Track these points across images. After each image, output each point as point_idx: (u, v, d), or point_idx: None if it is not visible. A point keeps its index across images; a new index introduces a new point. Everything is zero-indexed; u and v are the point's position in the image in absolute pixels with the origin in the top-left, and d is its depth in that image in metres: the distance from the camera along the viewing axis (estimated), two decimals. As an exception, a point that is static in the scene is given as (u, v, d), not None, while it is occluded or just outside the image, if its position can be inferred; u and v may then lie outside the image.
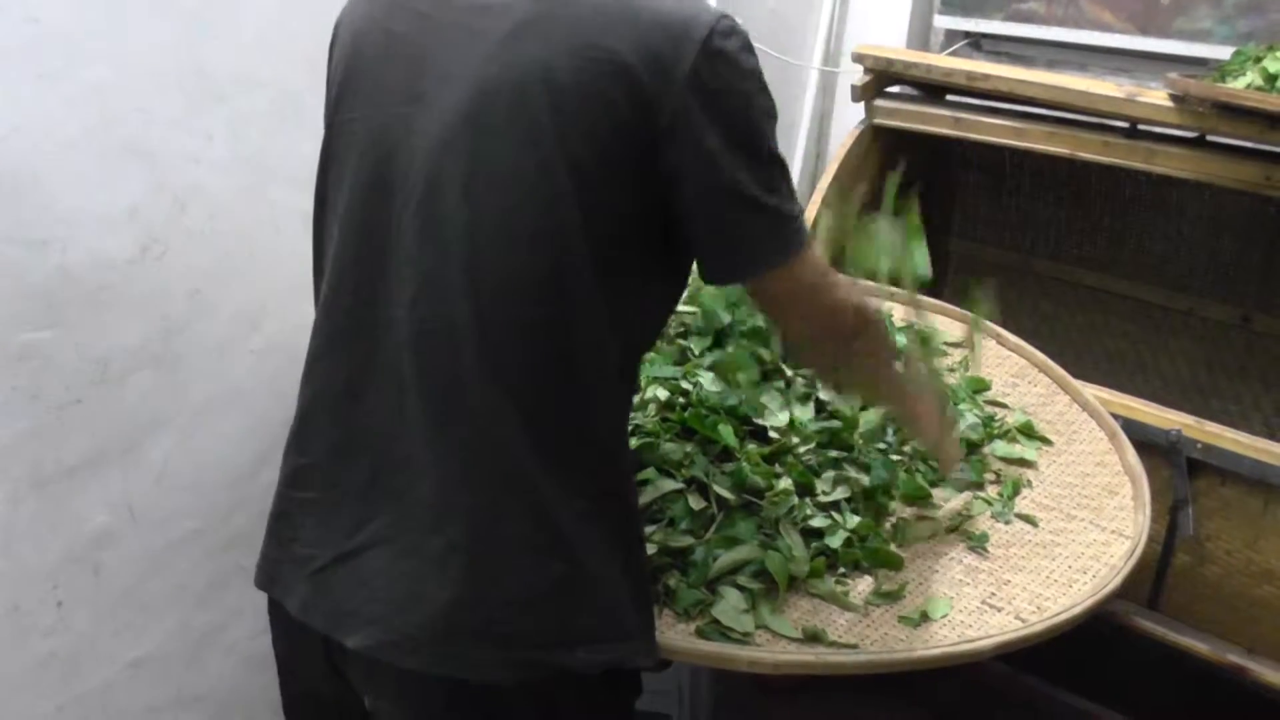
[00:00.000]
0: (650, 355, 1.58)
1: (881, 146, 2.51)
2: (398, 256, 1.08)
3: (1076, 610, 1.31)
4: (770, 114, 1.08)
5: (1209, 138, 2.06)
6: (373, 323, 1.11)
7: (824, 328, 1.17)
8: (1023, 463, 1.64)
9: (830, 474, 1.48)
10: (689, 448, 1.44)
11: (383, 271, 1.09)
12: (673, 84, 1.00)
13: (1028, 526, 1.49)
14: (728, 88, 1.03)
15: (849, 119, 2.57)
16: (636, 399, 1.48)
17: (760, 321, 1.63)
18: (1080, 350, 2.77)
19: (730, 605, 1.26)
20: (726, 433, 1.44)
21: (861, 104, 2.46)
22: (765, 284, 1.11)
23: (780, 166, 1.08)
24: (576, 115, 1.00)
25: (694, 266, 1.16)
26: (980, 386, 1.82)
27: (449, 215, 1.04)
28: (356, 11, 1.18)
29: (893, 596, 1.32)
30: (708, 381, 1.54)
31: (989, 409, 1.76)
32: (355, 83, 1.13)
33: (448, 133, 1.04)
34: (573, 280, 1.04)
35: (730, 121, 1.03)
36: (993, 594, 1.34)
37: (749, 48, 1.06)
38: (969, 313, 1.72)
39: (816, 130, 3.11)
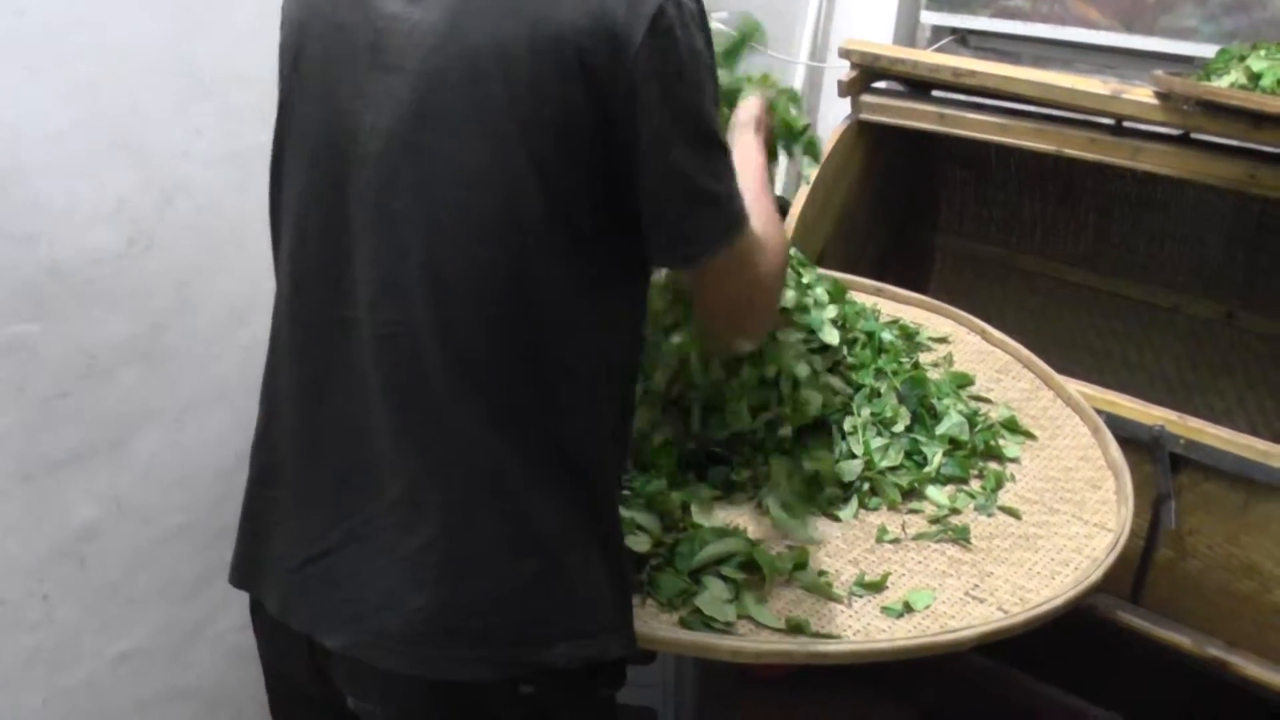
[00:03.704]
0: None
1: (867, 142, 2.52)
2: (357, 257, 1.07)
3: (1059, 602, 1.32)
4: (717, 99, 1.08)
5: (1194, 135, 2.08)
6: (336, 323, 1.10)
7: (750, 302, 1.17)
8: (1006, 457, 1.66)
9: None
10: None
11: (344, 272, 1.08)
12: (622, 63, 0.98)
13: (1011, 519, 1.50)
14: (677, 70, 1.00)
15: (835, 114, 2.58)
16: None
17: None
18: (1065, 346, 2.78)
19: (713, 595, 1.27)
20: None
21: (848, 99, 2.47)
22: (704, 267, 1.10)
23: (723, 152, 1.07)
24: (532, 103, 0.99)
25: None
26: (964, 381, 1.83)
27: (404, 214, 1.03)
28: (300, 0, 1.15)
29: (876, 587, 1.33)
30: None
31: (973, 404, 1.77)
32: (301, 77, 1.12)
33: (399, 128, 1.02)
34: (537, 274, 1.03)
35: (678, 105, 1.01)
36: (976, 585, 1.35)
37: (700, 23, 1.04)
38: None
39: (803, 126, 3.12)
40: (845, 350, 1.69)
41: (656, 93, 0.99)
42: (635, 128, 1.00)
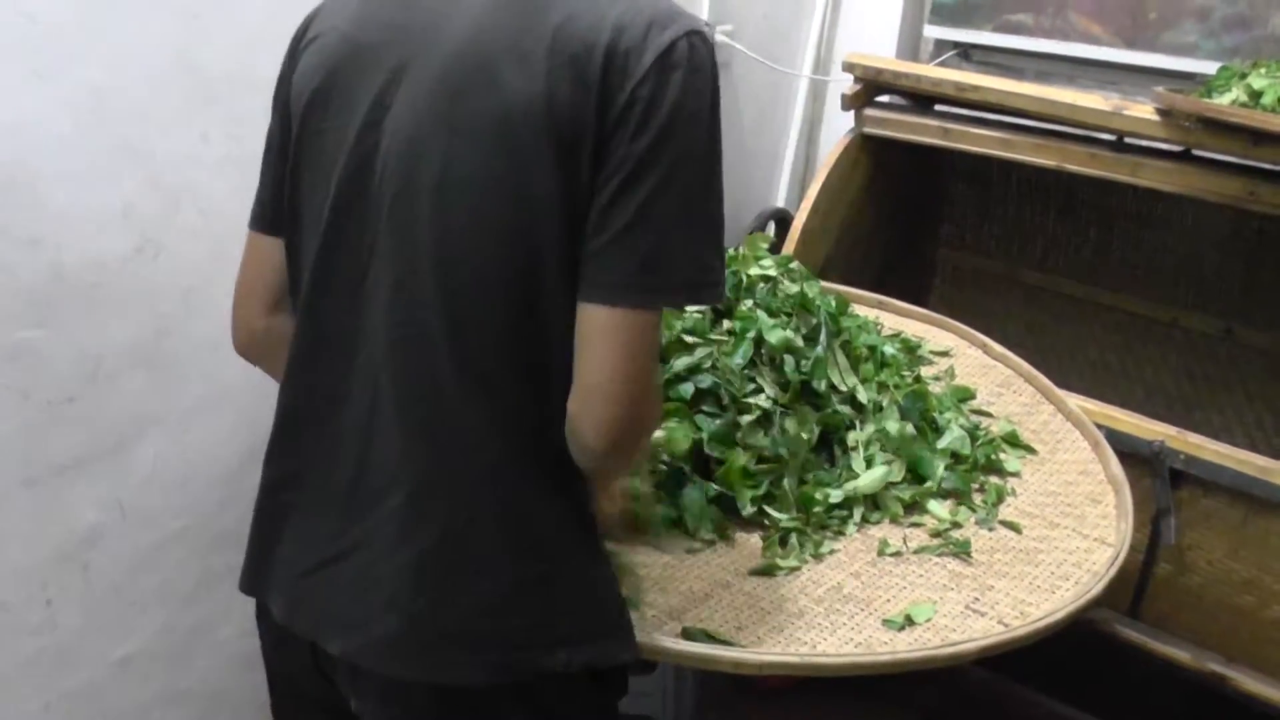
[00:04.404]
0: None
1: (870, 155, 2.53)
2: (375, 265, 1.08)
3: (1059, 615, 1.32)
4: (713, 152, 1.04)
5: (1194, 152, 2.09)
6: (354, 330, 1.11)
7: (637, 404, 1.05)
8: (1007, 471, 1.66)
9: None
10: None
11: (362, 279, 1.10)
12: (626, 84, 0.99)
13: (1011, 533, 1.51)
14: (674, 103, 1.00)
15: (839, 127, 2.59)
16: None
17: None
18: (1065, 360, 2.79)
19: None
20: None
21: (851, 113, 2.48)
22: (599, 320, 1.03)
23: (694, 203, 1.03)
24: (547, 117, 1.00)
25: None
26: (965, 395, 1.84)
27: (420, 219, 1.04)
28: (325, 24, 1.16)
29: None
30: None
31: (974, 418, 1.77)
32: (325, 96, 1.12)
33: (417, 135, 1.04)
34: (544, 281, 1.04)
35: (663, 136, 1.00)
36: (976, 599, 1.36)
37: (710, 75, 1.03)
38: None
39: (806, 138, 3.13)
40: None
41: (645, 120, 1.00)
42: (615, 148, 1.00)
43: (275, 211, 1.23)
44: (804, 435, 1.52)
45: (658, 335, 1.06)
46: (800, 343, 1.58)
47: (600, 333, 1.03)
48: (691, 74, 1.01)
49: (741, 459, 1.45)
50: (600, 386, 1.03)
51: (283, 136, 1.20)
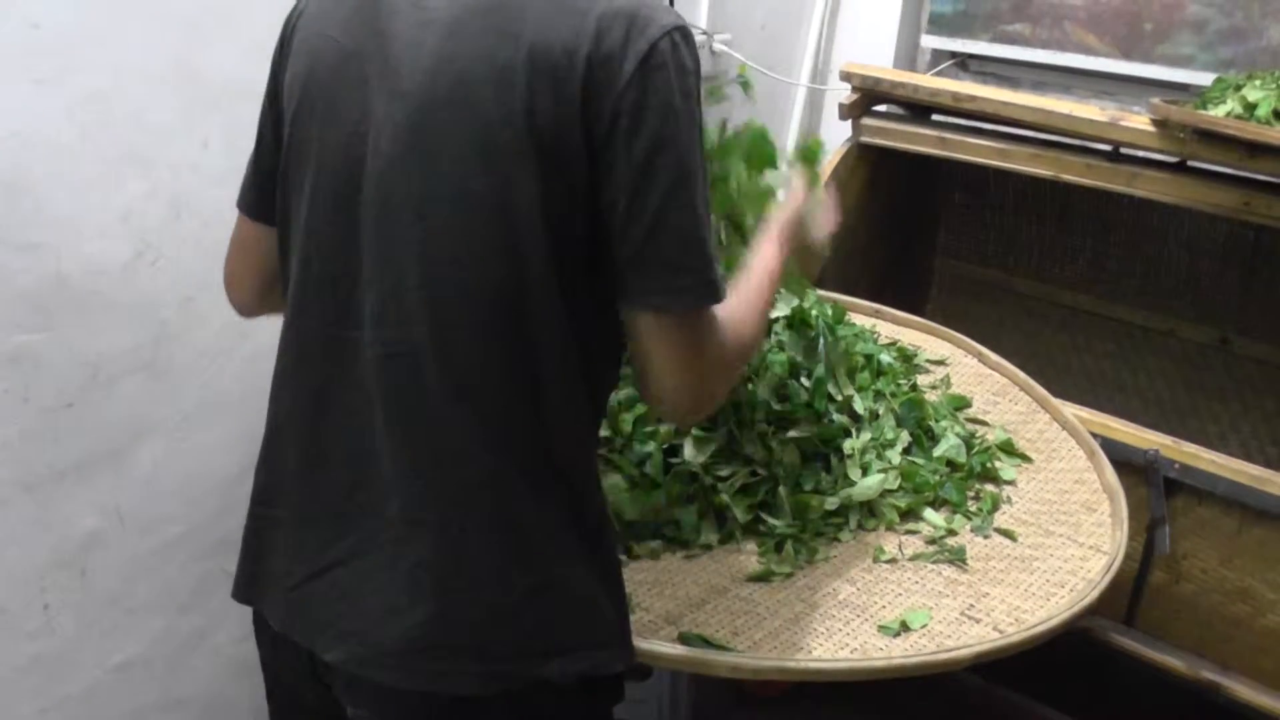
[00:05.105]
0: None
1: (867, 164, 2.54)
2: (362, 279, 1.08)
3: (1054, 622, 1.33)
4: (700, 148, 1.04)
5: (1190, 163, 2.10)
6: (340, 343, 1.11)
7: (684, 383, 1.08)
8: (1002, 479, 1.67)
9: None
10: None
11: (349, 293, 1.09)
12: (610, 94, 0.99)
13: (1007, 541, 1.51)
14: (662, 108, 0.99)
15: (836, 136, 2.60)
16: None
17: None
18: (1061, 369, 2.80)
19: None
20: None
21: (848, 122, 2.48)
22: (646, 325, 1.05)
23: (696, 207, 1.03)
24: (527, 127, 0.99)
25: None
26: (961, 404, 1.84)
27: (402, 235, 1.04)
28: (310, 27, 1.15)
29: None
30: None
31: (970, 426, 1.78)
32: (311, 102, 1.12)
33: (398, 151, 1.03)
34: (531, 295, 1.03)
35: (657, 142, 0.99)
36: (971, 606, 1.36)
37: (694, 70, 1.03)
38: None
39: (804, 148, 3.14)
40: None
41: (637, 127, 0.99)
42: (613, 160, 1.00)
43: (260, 199, 1.23)
44: (797, 451, 1.53)
45: (709, 324, 1.06)
46: (800, 358, 1.59)
47: (651, 338, 1.05)
48: (677, 73, 1.01)
49: (737, 475, 1.47)
50: (666, 389, 1.08)
51: (274, 130, 1.20)
